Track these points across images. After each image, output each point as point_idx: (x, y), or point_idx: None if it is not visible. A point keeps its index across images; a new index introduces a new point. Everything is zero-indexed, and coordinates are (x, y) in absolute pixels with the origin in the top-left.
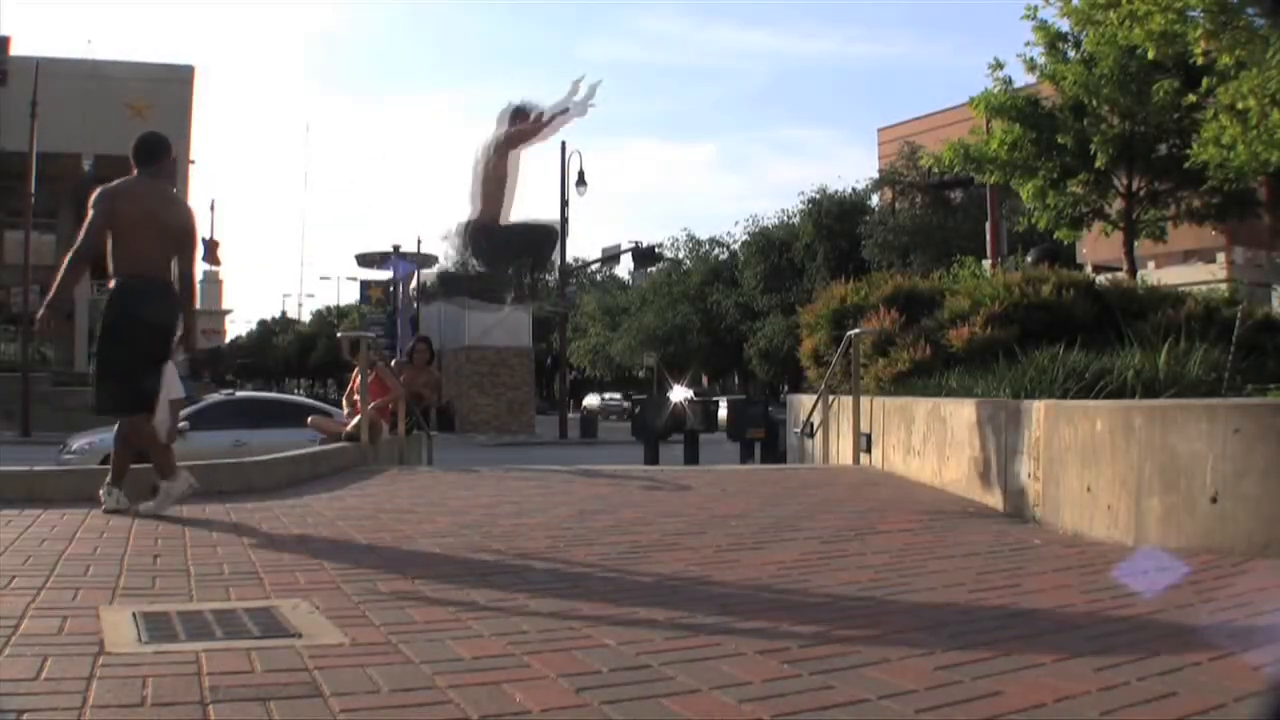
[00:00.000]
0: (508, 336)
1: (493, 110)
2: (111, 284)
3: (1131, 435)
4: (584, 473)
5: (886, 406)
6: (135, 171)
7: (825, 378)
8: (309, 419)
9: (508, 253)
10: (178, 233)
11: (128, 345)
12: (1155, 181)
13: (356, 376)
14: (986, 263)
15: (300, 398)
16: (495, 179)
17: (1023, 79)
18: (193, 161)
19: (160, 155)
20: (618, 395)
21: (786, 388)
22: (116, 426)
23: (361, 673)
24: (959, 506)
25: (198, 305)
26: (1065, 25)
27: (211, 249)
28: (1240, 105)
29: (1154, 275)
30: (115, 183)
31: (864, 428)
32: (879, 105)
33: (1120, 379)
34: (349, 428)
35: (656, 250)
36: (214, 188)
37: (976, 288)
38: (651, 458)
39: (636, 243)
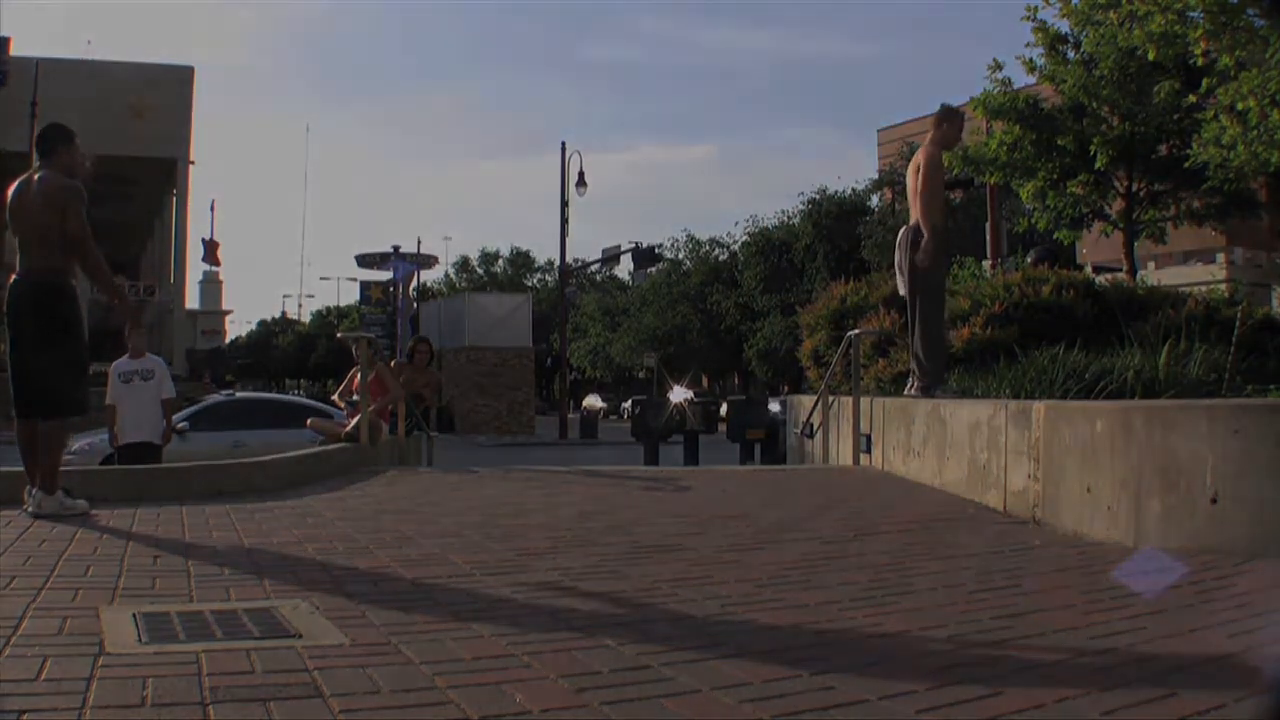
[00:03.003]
0: (508, 336)
1: (492, 110)
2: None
3: (1131, 436)
4: (584, 473)
5: (886, 407)
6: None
7: (825, 378)
8: (309, 420)
9: None
10: (46, 209)
11: (13, 347)
12: (1155, 182)
13: (354, 376)
14: (986, 263)
15: (300, 398)
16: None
17: (1023, 80)
18: (193, 162)
19: (47, 146)
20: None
21: (786, 388)
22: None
23: (361, 673)
24: (959, 507)
25: (101, 266)
26: (1065, 26)
27: (211, 249)
28: (1240, 105)
29: (1154, 276)
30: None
31: (864, 428)
32: (879, 105)
33: (1120, 379)
34: (349, 428)
35: (656, 251)
36: (214, 188)
37: (976, 288)
38: (651, 458)
39: (636, 243)
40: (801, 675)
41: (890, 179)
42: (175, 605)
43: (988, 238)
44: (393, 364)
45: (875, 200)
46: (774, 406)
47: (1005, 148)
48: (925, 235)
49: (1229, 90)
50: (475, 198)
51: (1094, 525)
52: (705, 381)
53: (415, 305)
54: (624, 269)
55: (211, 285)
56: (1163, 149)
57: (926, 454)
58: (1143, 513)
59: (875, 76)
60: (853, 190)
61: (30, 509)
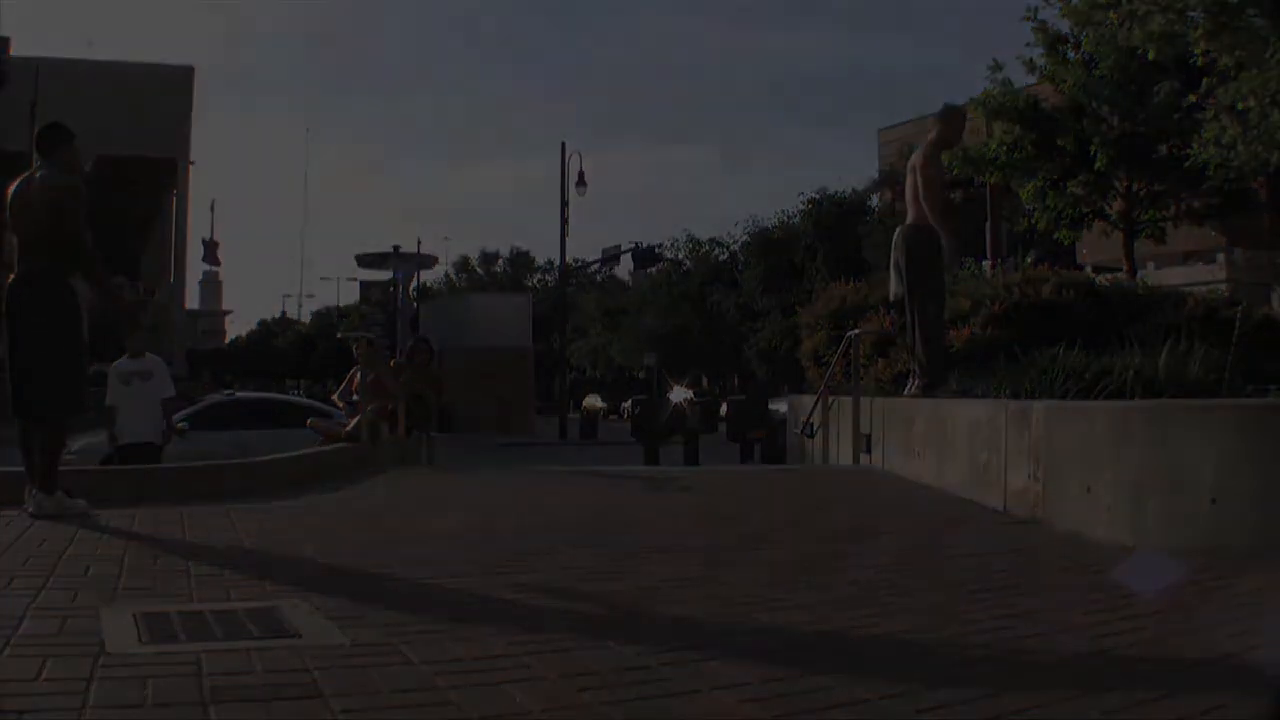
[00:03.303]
0: (508, 336)
1: (492, 110)
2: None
3: (1131, 436)
4: (584, 473)
5: (886, 407)
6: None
7: (825, 378)
8: (309, 420)
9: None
10: (46, 208)
11: (12, 347)
12: (1155, 182)
13: (354, 376)
14: (986, 263)
15: (300, 398)
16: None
17: (1023, 80)
18: (192, 162)
19: (47, 145)
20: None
21: (786, 388)
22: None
23: (361, 673)
24: (959, 507)
25: (99, 266)
26: (1065, 26)
27: (211, 249)
28: (1240, 105)
29: (1154, 276)
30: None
31: (864, 428)
32: (879, 105)
33: (1120, 379)
34: (349, 428)
35: (656, 251)
36: (214, 188)
37: (976, 288)
38: (651, 458)
39: (636, 243)
40: (801, 675)
41: (891, 179)
42: (175, 605)
43: (988, 238)
44: (393, 364)
45: (875, 200)
46: (781, 406)
47: (1005, 148)
48: (944, 237)
49: (1229, 90)
50: (475, 198)
51: (1094, 525)
52: (705, 381)
53: (415, 305)
54: (624, 269)
55: (211, 285)
56: (1163, 149)
57: (927, 454)
58: (1143, 513)
59: (875, 76)
60: (853, 190)
61: (30, 509)
